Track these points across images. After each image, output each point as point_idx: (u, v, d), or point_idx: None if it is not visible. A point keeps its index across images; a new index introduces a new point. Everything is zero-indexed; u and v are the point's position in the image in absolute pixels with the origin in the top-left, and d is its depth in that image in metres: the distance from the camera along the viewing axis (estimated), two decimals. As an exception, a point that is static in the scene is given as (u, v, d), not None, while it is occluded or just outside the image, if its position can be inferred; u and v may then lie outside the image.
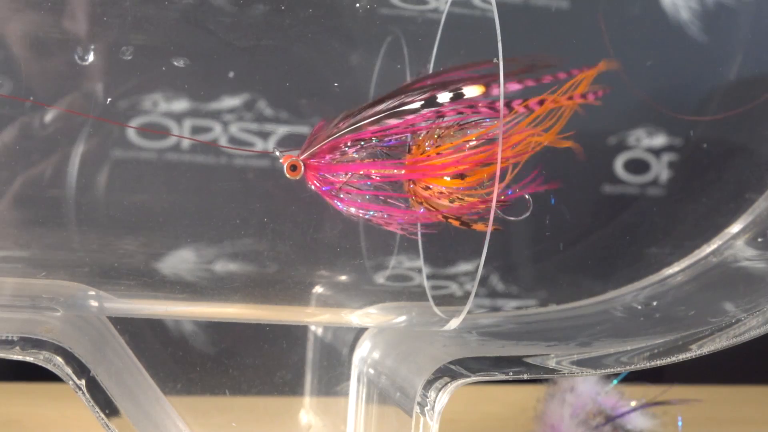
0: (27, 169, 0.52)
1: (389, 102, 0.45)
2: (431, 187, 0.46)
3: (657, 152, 0.68)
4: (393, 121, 0.45)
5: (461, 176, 0.45)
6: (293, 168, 0.46)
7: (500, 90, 0.43)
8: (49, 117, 0.52)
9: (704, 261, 0.57)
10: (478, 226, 0.47)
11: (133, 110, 0.55)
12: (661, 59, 0.66)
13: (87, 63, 0.51)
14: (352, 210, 0.46)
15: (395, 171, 0.46)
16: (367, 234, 0.55)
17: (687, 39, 0.64)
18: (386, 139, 0.46)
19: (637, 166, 0.68)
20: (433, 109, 0.44)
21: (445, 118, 0.45)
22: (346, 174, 0.46)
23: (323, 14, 0.54)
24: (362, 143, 0.45)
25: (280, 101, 0.57)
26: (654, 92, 0.66)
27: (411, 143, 0.46)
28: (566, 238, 0.63)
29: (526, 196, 0.47)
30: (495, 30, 0.43)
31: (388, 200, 0.47)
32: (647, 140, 0.67)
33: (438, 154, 0.45)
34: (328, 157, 0.46)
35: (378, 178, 0.46)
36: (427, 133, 0.46)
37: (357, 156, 0.46)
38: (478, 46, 0.55)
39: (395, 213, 0.47)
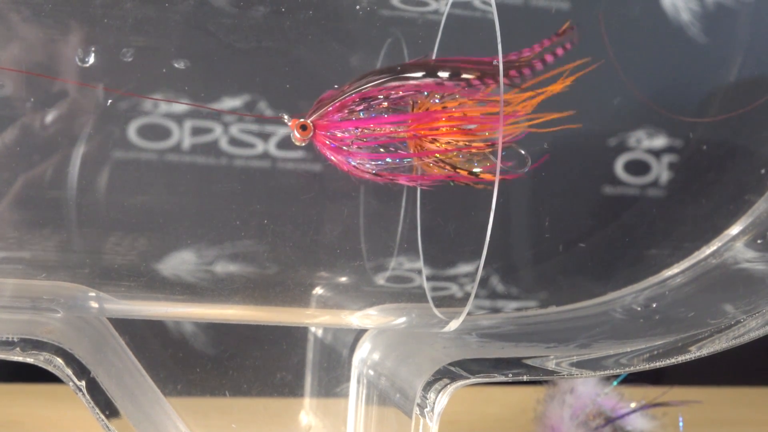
0: (28, 170, 0.52)
1: (393, 71, 0.46)
2: (437, 139, 0.46)
3: (657, 153, 0.67)
4: (397, 84, 0.46)
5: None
6: (303, 128, 0.46)
7: (500, 90, 0.43)
8: (49, 118, 0.52)
9: (704, 263, 0.57)
10: (487, 176, 0.48)
11: (134, 111, 0.55)
12: (662, 60, 0.66)
13: (88, 65, 0.51)
14: (361, 164, 0.47)
15: (402, 124, 0.46)
16: (367, 235, 0.55)
17: (687, 40, 0.64)
18: (392, 96, 0.46)
19: (637, 168, 0.68)
20: (433, 79, 0.46)
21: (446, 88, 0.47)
22: (357, 128, 0.46)
23: (323, 16, 0.54)
24: (370, 101, 0.46)
25: (280, 102, 0.57)
26: (654, 94, 0.66)
27: (416, 100, 0.47)
28: (566, 240, 0.63)
29: (522, 152, 0.48)
30: (495, 31, 0.43)
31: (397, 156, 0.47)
32: (647, 141, 0.67)
33: (444, 107, 0.47)
34: (336, 116, 0.46)
35: (386, 131, 0.47)
36: (430, 94, 0.47)
37: (364, 115, 0.46)
38: (479, 48, 0.55)
39: (404, 158, 0.47)
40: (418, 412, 0.46)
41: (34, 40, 0.51)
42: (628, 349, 0.49)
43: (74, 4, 0.51)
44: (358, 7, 0.55)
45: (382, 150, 0.47)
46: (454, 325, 0.49)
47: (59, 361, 0.45)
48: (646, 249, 0.61)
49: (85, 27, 0.51)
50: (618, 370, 0.48)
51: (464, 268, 0.63)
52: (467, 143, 0.47)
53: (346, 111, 0.46)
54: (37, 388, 0.66)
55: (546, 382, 0.61)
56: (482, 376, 0.47)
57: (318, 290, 0.54)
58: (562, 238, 0.63)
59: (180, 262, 0.54)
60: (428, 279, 0.55)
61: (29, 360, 0.45)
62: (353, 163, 0.47)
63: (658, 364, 0.48)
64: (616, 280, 0.59)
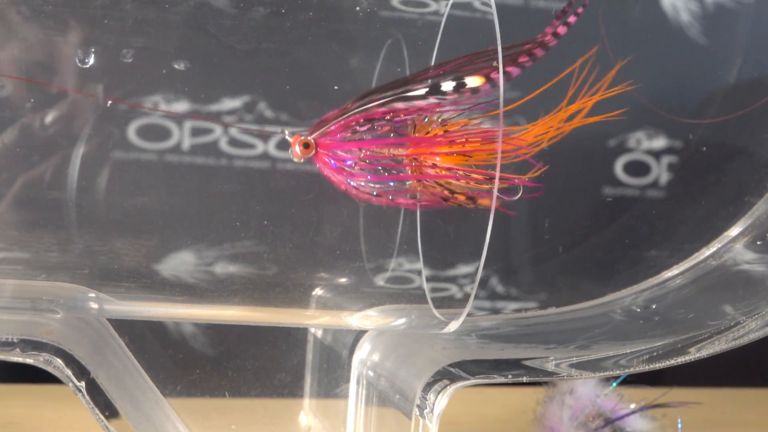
0: (27, 170, 0.52)
1: (397, 88, 0.46)
2: (437, 164, 0.46)
3: (657, 154, 0.67)
4: (400, 105, 0.46)
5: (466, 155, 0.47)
6: (306, 146, 0.46)
7: (500, 89, 0.43)
8: (49, 118, 0.52)
9: (703, 264, 0.57)
10: (484, 201, 0.48)
11: (134, 112, 0.55)
12: (661, 61, 0.66)
13: (87, 66, 0.51)
14: (362, 185, 0.47)
15: (404, 147, 0.47)
16: (367, 236, 0.55)
17: (687, 41, 0.64)
18: (396, 119, 0.46)
19: (637, 169, 0.68)
20: (437, 95, 0.46)
21: (448, 108, 0.47)
22: (360, 150, 0.46)
23: (323, 17, 0.54)
24: (374, 123, 0.46)
25: (280, 103, 0.57)
26: (654, 95, 0.66)
27: (417, 123, 0.47)
28: (566, 241, 0.63)
29: (516, 181, 0.48)
30: (495, 32, 0.43)
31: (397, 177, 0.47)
32: (647, 142, 0.67)
33: (445, 132, 0.47)
34: (339, 136, 0.46)
35: (387, 153, 0.47)
36: (431, 117, 0.47)
37: (367, 137, 0.46)
38: (479, 49, 0.55)
39: (403, 179, 0.47)
40: (418, 413, 0.46)
41: (34, 41, 0.51)
42: (628, 351, 0.49)
43: (74, 5, 0.51)
44: (358, 8, 0.55)
45: (383, 171, 0.47)
46: (453, 326, 0.49)
47: (59, 361, 0.45)
48: (645, 250, 0.61)
49: (85, 28, 0.51)
50: (617, 372, 0.48)
51: (464, 269, 0.63)
52: (465, 173, 0.47)
53: (350, 132, 0.46)
54: (37, 388, 0.66)
55: (545, 383, 0.61)
56: (482, 378, 0.47)
57: (318, 291, 0.54)
58: (561, 239, 0.63)
59: (180, 263, 0.54)
60: (428, 280, 0.55)
61: (29, 361, 0.45)
62: (353, 184, 0.47)
63: (657, 365, 0.48)
64: (616, 281, 0.59)
